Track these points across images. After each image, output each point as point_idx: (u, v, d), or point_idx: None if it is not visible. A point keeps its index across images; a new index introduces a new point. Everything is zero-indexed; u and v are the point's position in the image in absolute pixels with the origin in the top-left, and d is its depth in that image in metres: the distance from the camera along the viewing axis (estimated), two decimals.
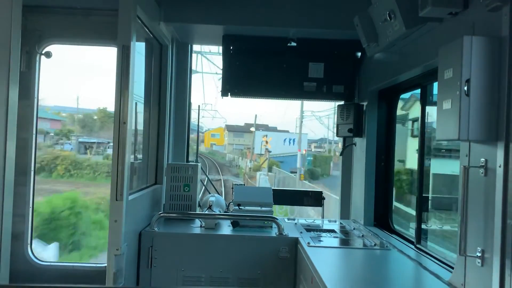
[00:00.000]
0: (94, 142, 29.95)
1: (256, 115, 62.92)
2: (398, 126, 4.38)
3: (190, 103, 4.93)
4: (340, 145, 4.81)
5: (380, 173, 4.30)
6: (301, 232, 3.93)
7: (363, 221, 4.28)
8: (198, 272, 3.74)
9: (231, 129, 68.01)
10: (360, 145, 4.47)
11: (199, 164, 4.57)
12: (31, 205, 4.10)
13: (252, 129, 46.44)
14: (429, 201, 4.08)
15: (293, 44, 4.50)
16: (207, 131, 69.60)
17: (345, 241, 3.84)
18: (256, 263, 3.74)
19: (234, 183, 4.75)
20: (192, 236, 3.86)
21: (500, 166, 2.03)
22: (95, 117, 33.64)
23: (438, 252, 3.29)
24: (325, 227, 4.32)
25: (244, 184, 4.89)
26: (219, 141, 73.04)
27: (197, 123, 5.34)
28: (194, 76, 4.93)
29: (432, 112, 3.50)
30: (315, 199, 4.83)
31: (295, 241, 3.74)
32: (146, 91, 4.28)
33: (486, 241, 2.14)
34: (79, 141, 30.17)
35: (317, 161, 37.89)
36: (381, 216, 4.28)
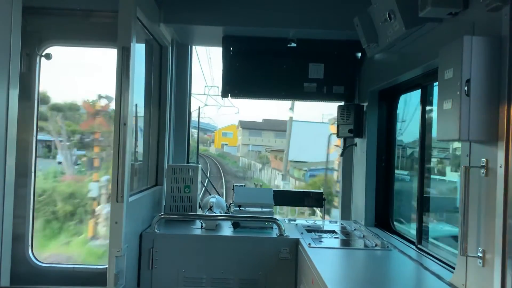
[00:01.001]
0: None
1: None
2: None
3: (190, 104, 4.93)
4: None
5: (380, 174, 4.30)
6: (302, 233, 3.93)
7: (364, 222, 4.27)
8: (199, 273, 3.74)
9: (246, 126, 54.96)
10: (361, 145, 4.47)
11: (199, 165, 4.57)
12: (31, 207, 4.11)
13: (290, 114, 23.79)
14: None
15: (293, 45, 4.50)
16: (219, 130, 60.29)
17: (346, 241, 3.84)
18: (257, 264, 3.73)
19: (234, 184, 4.74)
20: (192, 237, 3.86)
21: (501, 166, 2.03)
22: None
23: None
24: (326, 228, 4.31)
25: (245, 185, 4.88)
26: (232, 141, 61.14)
27: (198, 123, 5.31)
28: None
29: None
30: (316, 199, 4.82)
31: (296, 242, 3.73)
32: (146, 93, 4.28)
33: (487, 241, 2.14)
34: None
35: None
36: (382, 217, 4.27)
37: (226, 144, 61.09)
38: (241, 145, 54.51)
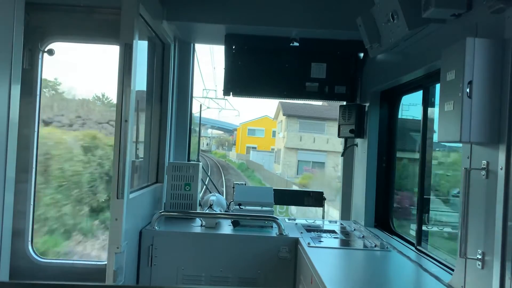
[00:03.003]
0: None
1: None
2: None
3: (192, 102, 4.94)
4: None
5: (381, 174, 4.30)
6: (301, 232, 3.93)
7: (364, 222, 4.27)
8: (198, 271, 3.74)
9: (294, 112, 30.51)
10: (362, 146, 4.47)
11: (200, 163, 4.57)
12: (32, 202, 4.11)
13: None
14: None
15: (296, 44, 4.50)
16: (243, 124, 40.46)
17: (346, 241, 3.83)
18: (256, 263, 3.74)
19: (235, 182, 4.75)
20: (192, 235, 3.86)
21: (501, 169, 2.02)
22: None
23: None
24: (325, 227, 4.31)
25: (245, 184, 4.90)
26: (263, 142, 38.89)
27: (200, 119, 5.29)
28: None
29: None
30: (316, 199, 4.82)
31: (295, 241, 3.74)
32: (148, 90, 4.29)
33: (487, 243, 2.14)
34: None
35: None
36: (382, 217, 4.27)
37: (254, 148, 38.05)
38: (285, 150, 28.70)
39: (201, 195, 4.70)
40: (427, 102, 3.55)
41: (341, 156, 4.93)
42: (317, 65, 4.61)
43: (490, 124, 2.11)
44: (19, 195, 3.83)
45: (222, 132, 68.81)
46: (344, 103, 4.69)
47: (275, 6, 4.13)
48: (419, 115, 3.68)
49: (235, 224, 4.03)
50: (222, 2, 4.13)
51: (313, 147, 28.31)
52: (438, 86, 2.88)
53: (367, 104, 4.39)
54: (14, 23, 2.40)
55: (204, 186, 5.03)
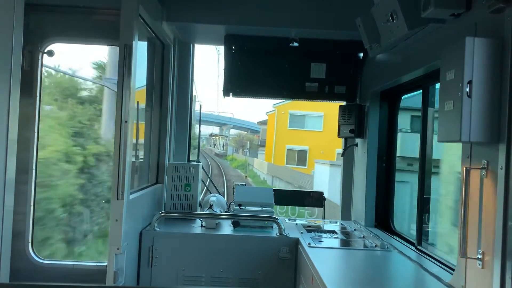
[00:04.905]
0: None
1: None
2: None
3: (191, 103, 4.94)
4: None
5: (381, 174, 4.30)
6: (301, 233, 3.93)
7: (364, 222, 4.27)
8: (198, 272, 3.74)
9: None
10: (362, 146, 4.47)
11: (200, 163, 4.57)
12: (32, 204, 4.11)
13: None
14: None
15: (295, 44, 4.50)
16: (279, 106, 28.33)
17: (346, 242, 3.84)
18: (256, 263, 3.74)
19: (235, 183, 4.75)
20: (192, 235, 3.86)
21: (501, 168, 2.02)
22: None
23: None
24: (326, 227, 4.32)
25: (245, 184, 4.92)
26: (320, 142, 25.68)
27: (200, 118, 5.28)
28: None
29: None
30: (316, 199, 4.83)
31: (296, 242, 3.74)
32: (148, 91, 4.29)
33: (487, 243, 2.14)
34: None
35: None
36: (382, 217, 4.27)
37: (319, 161, 20.96)
38: None
39: (201, 196, 4.70)
40: (427, 102, 3.56)
41: (341, 156, 4.94)
42: (316, 65, 4.61)
43: (490, 123, 2.11)
44: (19, 197, 3.84)
45: (246, 132, 59.08)
46: (344, 103, 4.69)
47: (275, 7, 4.13)
48: None
49: (236, 224, 4.03)
50: (222, 2, 4.13)
51: None
52: (437, 85, 2.89)
53: (367, 104, 4.39)
54: (13, 24, 2.40)
55: (205, 187, 5.02)
